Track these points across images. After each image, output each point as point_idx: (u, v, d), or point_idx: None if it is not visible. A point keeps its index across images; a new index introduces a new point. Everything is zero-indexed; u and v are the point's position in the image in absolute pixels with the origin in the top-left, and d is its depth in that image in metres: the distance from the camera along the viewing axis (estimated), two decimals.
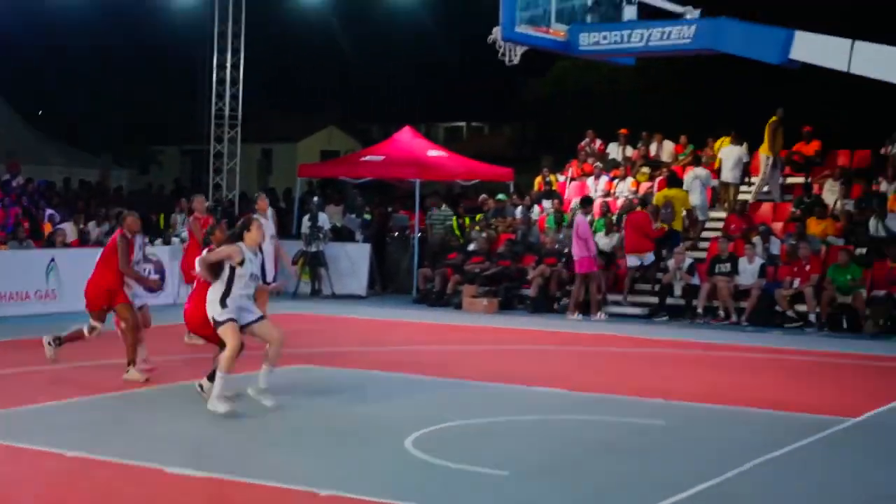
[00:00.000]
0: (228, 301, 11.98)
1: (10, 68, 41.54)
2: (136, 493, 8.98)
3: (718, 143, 26.88)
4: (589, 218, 23.97)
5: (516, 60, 16.53)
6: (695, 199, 25.25)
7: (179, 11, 34.67)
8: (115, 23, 42.00)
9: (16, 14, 39.01)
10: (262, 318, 12.36)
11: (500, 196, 28.68)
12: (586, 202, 24.46)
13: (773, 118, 25.78)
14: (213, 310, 12.05)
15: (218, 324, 12.04)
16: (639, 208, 24.44)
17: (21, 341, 17.81)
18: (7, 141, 35.09)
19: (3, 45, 41.43)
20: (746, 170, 26.52)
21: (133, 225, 14.61)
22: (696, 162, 26.30)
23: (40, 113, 46.56)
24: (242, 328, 12.11)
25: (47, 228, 25.61)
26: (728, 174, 26.03)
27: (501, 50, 16.38)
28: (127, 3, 36.11)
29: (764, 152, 25.95)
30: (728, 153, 26.04)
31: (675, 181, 25.48)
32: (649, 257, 23.74)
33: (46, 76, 43.59)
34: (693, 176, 25.65)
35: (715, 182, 26.31)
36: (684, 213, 24.93)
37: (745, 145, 25.95)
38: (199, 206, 18.76)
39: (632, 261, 23.61)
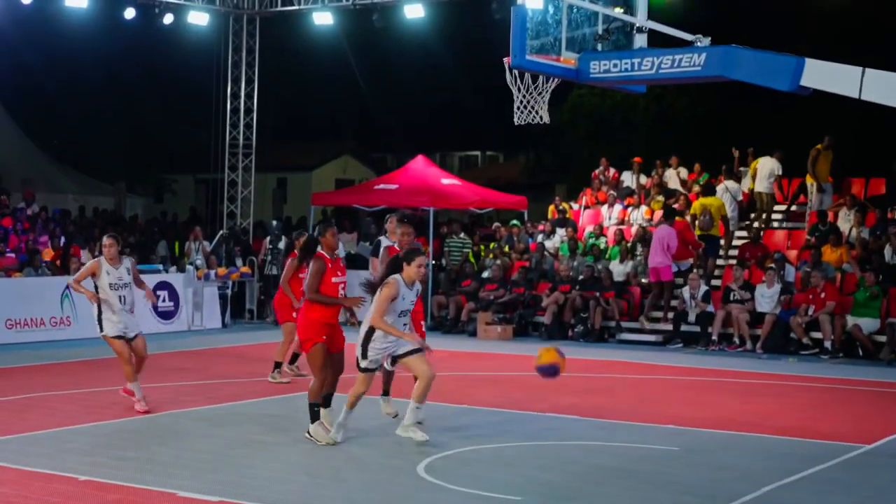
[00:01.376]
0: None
1: (25, 97, 41.81)
2: None
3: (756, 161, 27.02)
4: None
5: (545, 119, 16.53)
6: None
7: (193, 41, 34.83)
8: (128, 52, 42.26)
9: (30, 45, 39.36)
10: (418, 350, 11.84)
11: (514, 222, 28.68)
12: (670, 213, 24.63)
13: (818, 146, 25.87)
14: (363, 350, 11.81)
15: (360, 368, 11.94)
16: (677, 218, 24.58)
17: (35, 367, 17.88)
18: (22, 169, 35.23)
19: (18, 75, 41.74)
20: (780, 183, 26.81)
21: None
22: (709, 191, 26.29)
23: (55, 142, 46.76)
24: (396, 359, 11.87)
25: (48, 255, 25.70)
26: (761, 184, 26.39)
27: (527, 110, 16.37)
28: (141, 33, 36.25)
29: (808, 180, 26.08)
30: (763, 164, 26.35)
31: (710, 189, 25.72)
32: (685, 264, 24.22)
33: (60, 105, 43.80)
34: (724, 189, 25.91)
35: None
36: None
37: (777, 156, 26.18)
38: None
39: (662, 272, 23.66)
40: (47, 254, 25.78)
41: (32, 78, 41.41)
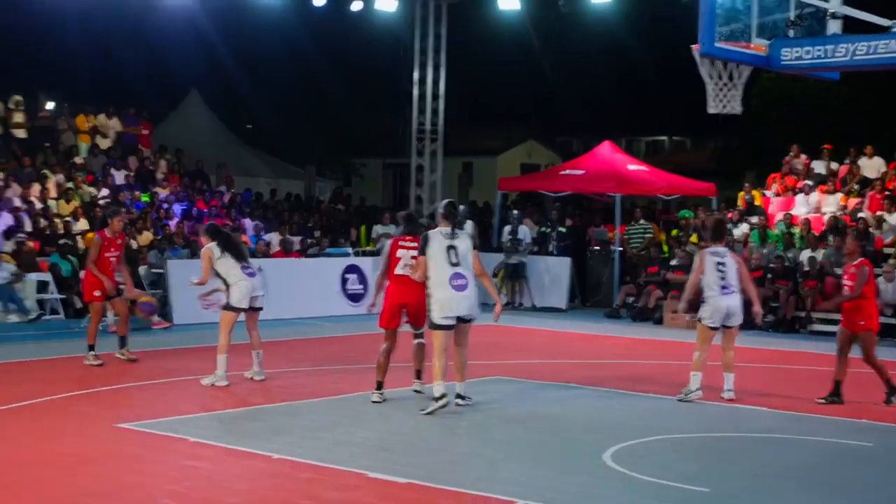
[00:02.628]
0: None
1: (219, 85, 43.05)
2: (338, 496, 9.18)
3: None
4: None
5: (738, 109, 16.26)
6: None
7: (381, 27, 35.33)
8: (318, 39, 43.11)
9: (224, 35, 40.49)
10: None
11: (684, 212, 28.24)
12: None
13: None
14: None
15: None
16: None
17: (233, 346, 18.37)
18: (218, 154, 36.28)
19: (213, 65, 43.01)
20: None
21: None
22: None
23: (248, 126, 48.01)
24: None
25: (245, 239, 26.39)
26: None
27: (721, 100, 16.14)
28: (330, 20, 36.96)
29: None
30: None
31: None
32: None
33: (252, 92, 44.90)
34: None
35: None
36: None
37: None
38: None
39: None
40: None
41: (226, 67, 42.61)
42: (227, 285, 14.74)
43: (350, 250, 26.63)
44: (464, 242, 12.92)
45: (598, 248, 27.78)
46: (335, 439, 11.36)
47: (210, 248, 14.86)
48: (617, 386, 15.27)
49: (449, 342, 12.74)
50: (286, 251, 25.89)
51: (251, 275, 14.86)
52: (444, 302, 12.62)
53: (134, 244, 24.51)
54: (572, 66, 50.48)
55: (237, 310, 14.74)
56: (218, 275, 14.79)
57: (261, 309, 15.14)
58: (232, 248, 14.89)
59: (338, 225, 31.27)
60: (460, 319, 12.76)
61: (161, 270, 22.72)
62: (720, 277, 14.14)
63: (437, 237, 12.89)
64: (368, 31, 39.01)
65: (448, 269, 12.67)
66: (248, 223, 28.25)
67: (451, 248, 12.80)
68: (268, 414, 12.71)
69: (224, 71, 43.12)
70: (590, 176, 28.52)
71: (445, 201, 13.63)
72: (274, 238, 27.12)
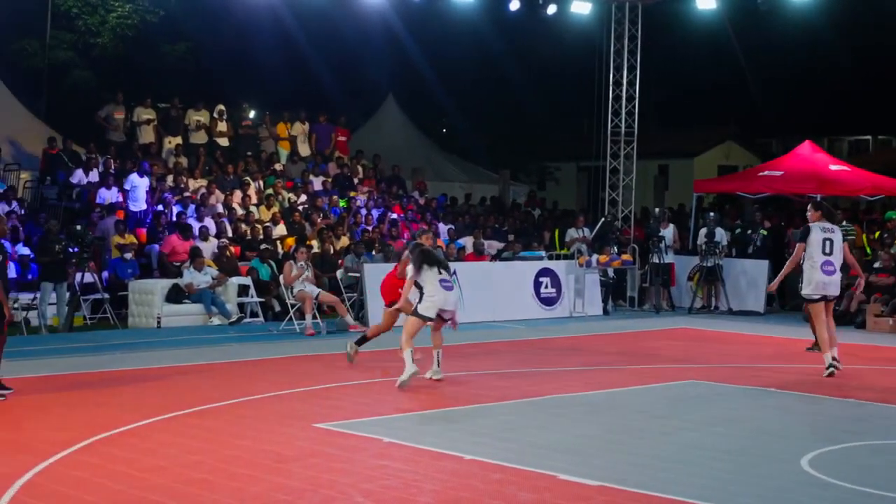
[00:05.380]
0: None
1: (413, 91, 43.57)
2: (528, 498, 9.16)
3: None
4: None
5: None
6: None
7: (575, 30, 35.24)
8: (511, 43, 43.24)
9: (418, 40, 40.98)
10: None
11: (891, 213, 27.33)
12: None
13: None
14: None
15: None
16: None
17: (427, 348, 18.57)
18: (414, 159, 36.73)
19: (407, 70, 43.54)
20: None
21: None
22: None
23: (443, 130, 48.45)
24: None
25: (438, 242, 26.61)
26: None
27: None
28: (524, 24, 37.08)
29: None
30: None
31: None
32: None
33: (446, 96, 45.24)
34: None
35: None
36: None
37: None
38: None
39: None
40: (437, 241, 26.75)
41: (420, 72, 43.08)
42: (422, 294, 14.92)
43: (544, 254, 26.61)
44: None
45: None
46: (525, 441, 11.34)
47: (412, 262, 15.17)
48: (815, 391, 14.87)
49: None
50: (478, 254, 26.08)
51: (448, 288, 14.99)
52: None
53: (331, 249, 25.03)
54: (771, 65, 49.46)
55: (424, 318, 14.94)
56: (417, 283, 15.03)
57: (448, 321, 15.24)
58: (432, 260, 15.08)
59: (531, 228, 31.29)
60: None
61: (357, 274, 23.09)
62: None
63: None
64: (562, 34, 38.96)
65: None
66: (442, 227, 28.51)
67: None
68: (459, 415, 12.78)
69: (419, 76, 43.61)
70: (789, 176, 27.89)
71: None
72: (468, 242, 27.31)
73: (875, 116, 52.31)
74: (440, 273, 14.97)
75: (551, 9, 30.50)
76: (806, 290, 16.41)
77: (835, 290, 16.46)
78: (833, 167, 28.78)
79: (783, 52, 47.41)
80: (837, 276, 16.42)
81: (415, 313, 15.00)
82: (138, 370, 16.26)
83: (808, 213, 16.83)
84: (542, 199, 38.35)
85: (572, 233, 28.20)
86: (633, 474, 9.94)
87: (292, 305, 21.44)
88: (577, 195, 50.61)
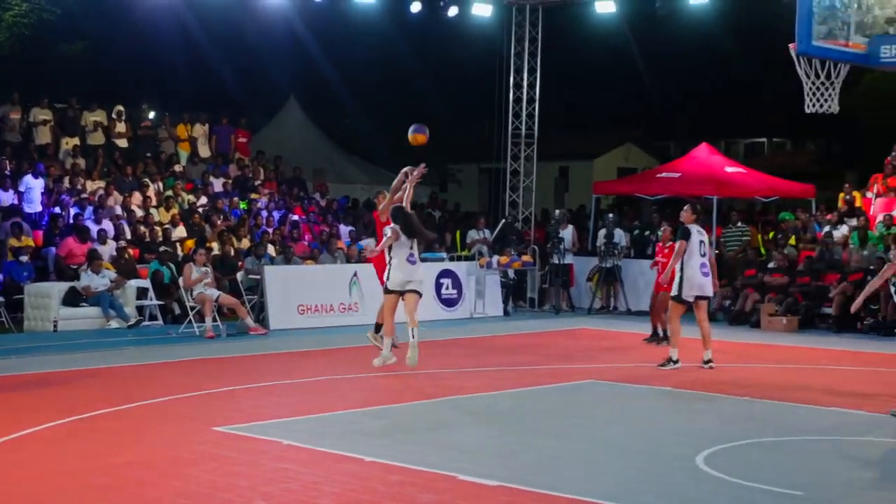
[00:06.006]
0: None
1: (315, 92, 43.41)
2: (430, 498, 9.21)
3: None
4: None
5: (835, 108, 16.09)
6: None
7: (477, 32, 35.39)
8: (413, 45, 43.23)
9: (320, 41, 40.87)
10: None
11: (785, 214, 27.91)
12: None
13: None
14: None
15: None
16: None
17: (327, 350, 18.57)
18: (315, 160, 36.62)
19: (309, 72, 43.40)
20: None
21: None
22: None
23: (343, 134, 48.36)
24: None
25: (339, 244, 26.61)
26: None
27: (818, 98, 15.97)
28: (425, 26, 37.12)
29: None
30: None
31: None
32: None
33: (348, 98, 45.19)
34: None
35: None
36: None
37: None
38: None
39: None
40: (339, 243, 26.73)
41: (323, 73, 42.96)
42: (389, 266, 15.99)
43: (445, 255, 26.71)
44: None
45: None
46: (426, 442, 11.40)
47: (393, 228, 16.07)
48: (711, 389, 15.13)
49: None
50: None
51: (413, 262, 16.03)
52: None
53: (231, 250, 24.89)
54: (669, 68, 50.04)
55: (393, 292, 16.02)
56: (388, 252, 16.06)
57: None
58: (412, 231, 16.14)
59: (432, 230, 31.33)
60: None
61: (258, 276, 22.99)
62: None
63: None
64: (464, 36, 39.08)
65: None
66: (343, 229, 28.48)
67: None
68: (359, 417, 12.79)
69: (321, 77, 43.46)
70: (687, 178, 28.32)
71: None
72: (370, 243, 27.29)
73: (770, 119, 53.25)
74: (410, 248, 15.97)
75: (452, 11, 30.61)
76: (685, 291, 17.03)
77: (710, 291, 17.42)
78: (729, 169, 29.30)
79: (681, 55, 47.98)
80: (710, 277, 17.25)
81: (386, 290, 16.11)
82: (35, 374, 16.03)
83: (684, 215, 17.40)
84: (443, 200, 38.45)
85: (473, 234, 28.36)
86: (534, 474, 10.04)
87: (192, 308, 21.29)
88: (478, 197, 50.76)
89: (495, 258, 26.08)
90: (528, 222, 30.63)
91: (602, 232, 27.14)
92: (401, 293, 16.04)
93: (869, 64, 15.75)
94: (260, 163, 32.20)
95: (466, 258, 26.74)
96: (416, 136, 17.08)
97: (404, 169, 16.79)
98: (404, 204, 16.53)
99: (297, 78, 43.50)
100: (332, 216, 30.06)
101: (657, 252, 20.84)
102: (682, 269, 17.06)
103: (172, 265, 23.79)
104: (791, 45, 15.32)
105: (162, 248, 24.57)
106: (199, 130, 31.41)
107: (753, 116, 53.57)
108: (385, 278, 16.18)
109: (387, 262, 16.22)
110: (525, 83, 30.80)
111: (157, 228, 25.66)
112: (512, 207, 30.89)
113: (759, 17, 39.24)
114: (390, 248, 16.02)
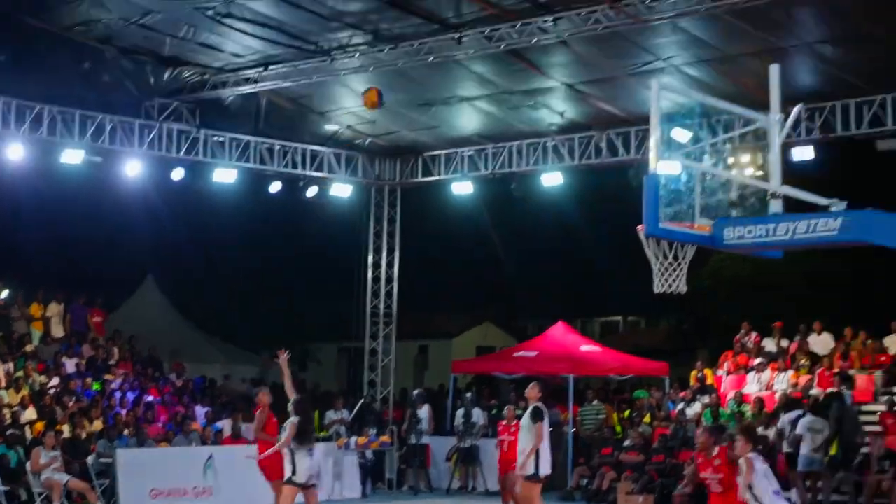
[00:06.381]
0: None
1: (174, 271, 43.17)
2: None
3: None
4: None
5: (683, 288, 16.50)
6: None
7: (336, 212, 35.67)
8: (273, 224, 43.46)
9: (179, 220, 40.82)
10: None
11: (639, 393, 28.37)
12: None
13: None
14: None
15: None
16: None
17: None
18: (172, 341, 36.19)
19: (168, 250, 43.22)
20: None
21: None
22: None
23: (201, 313, 48.02)
24: None
25: (195, 426, 26.19)
26: None
27: (666, 279, 16.38)
28: (285, 206, 37.35)
29: None
30: None
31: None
32: None
33: (207, 277, 45.08)
34: None
35: None
36: None
37: None
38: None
39: None
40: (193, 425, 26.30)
41: (181, 252, 42.85)
42: (293, 458, 15.87)
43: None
44: None
45: (551, 430, 27.62)
46: None
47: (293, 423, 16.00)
48: None
49: None
50: (236, 437, 25.71)
51: (313, 454, 16.14)
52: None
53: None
54: (527, 247, 51.02)
55: (298, 485, 15.89)
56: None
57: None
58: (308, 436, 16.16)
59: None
60: None
61: (110, 460, 22.42)
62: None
63: None
64: (324, 216, 39.32)
65: None
66: (199, 410, 28.02)
67: None
68: None
69: (180, 256, 43.34)
70: (543, 357, 28.61)
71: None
72: (226, 425, 26.90)
73: (625, 298, 54.31)
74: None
75: (312, 191, 30.85)
76: (543, 470, 17.16)
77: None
78: (584, 348, 29.72)
79: (538, 236, 49.03)
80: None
81: (289, 482, 15.86)
82: None
83: (531, 392, 17.72)
84: (302, 380, 38.16)
85: (331, 414, 28.11)
86: None
87: (40, 494, 20.66)
88: (337, 376, 50.58)
89: (353, 439, 25.90)
90: (387, 402, 30.55)
91: (460, 411, 27.17)
92: (304, 486, 15.98)
93: (714, 246, 16.20)
94: (115, 342, 31.65)
95: (325, 439, 26.44)
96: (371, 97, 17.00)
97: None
98: (287, 388, 16.60)
99: (155, 256, 43.26)
100: (189, 397, 29.58)
101: (501, 431, 20.81)
102: (542, 448, 17.41)
103: (20, 448, 23.07)
104: (639, 227, 15.72)
105: (9, 432, 23.83)
106: (54, 309, 30.80)
107: (609, 295, 54.61)
108: (289, 471, 15.98)
109: (284, 453, 16.08)
110: (384, 262, 31.09)
111: (6, 410, 24.91)
112: (371, 387, 30.82)
113: (612, 199, 40.29)
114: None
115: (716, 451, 13.46)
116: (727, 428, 18.78)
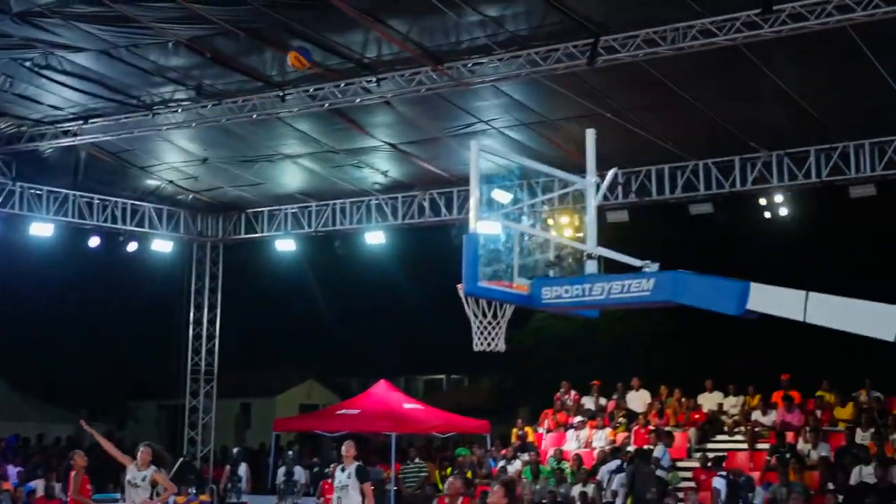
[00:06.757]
0: None
1: None
2: None
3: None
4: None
5: (502, 347, 16.67)
6: None
7: (157, 267, 35.16)
8: (92, 280, 42.54)
9: None
10: None
11: (461, 450, 28.59)
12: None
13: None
14: None
15: None
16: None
17: None
18: None
19: None
20: None
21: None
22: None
23: (16, 370, 46.66)
24: None
25: (6, 486, 25.46)
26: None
27: (485, 337, 16.55)
28: (105, 261, 36.65)
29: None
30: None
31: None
32: None
33: (23, 333, 43.83)
34: None
35: None
36: None
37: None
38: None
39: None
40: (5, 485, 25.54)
41: None
42: None
43: (119, 496, 25.80)
44: None
45: (373, 488, 27.57)
46: None
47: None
48: None
49: None
50: (49, 498, 25.01)
51: None
52: None
53: None
54: (351, 305, 50.98)
55: None
56: None
57: None
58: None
59: (108, 471, 30.28)
60: None
61: None
62: None
63: None
64: (145, 271, 38.69)
65: None
66: (11, 470, 27.18)
67: None
68: None
69: None
70: (366, 415, 28.60)
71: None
72: (39, 485, 26.15)
73: (448, 356, 54.67)
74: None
75: (132, 246, 30.40)
76: None
77: None
78: (407, 405, 29.83)
79: (361, 293, 49.04)
80: None
81: None
82: None
83: (347, 450, 17.70)
84: (120, 438, 37.33)
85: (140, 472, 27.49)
86: None
87: None
88: (157, 434, 49.62)
89: (172, 498, 25.37)
90: (208, 460, 30.10)
91: (282, 469, 26.93)
92: None
93: (532, 305, 16.42)
94: None
95: None
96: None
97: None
98: (111, 451, 16.47)
99: None
100: (1, 456, 28.68)
101: (326, 490, 20.87)
102: None
103: None
104: (459, 286, 15.89)
105: None
106: None
107: (432, 353, 54.92)
108: None
109: None
110: (206, 319, 30.77)
111: None
112: (191, 445, 30.35)
113: (435, 258, 40.61)
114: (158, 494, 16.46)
115: (459, 501, 13.74)
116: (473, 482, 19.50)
